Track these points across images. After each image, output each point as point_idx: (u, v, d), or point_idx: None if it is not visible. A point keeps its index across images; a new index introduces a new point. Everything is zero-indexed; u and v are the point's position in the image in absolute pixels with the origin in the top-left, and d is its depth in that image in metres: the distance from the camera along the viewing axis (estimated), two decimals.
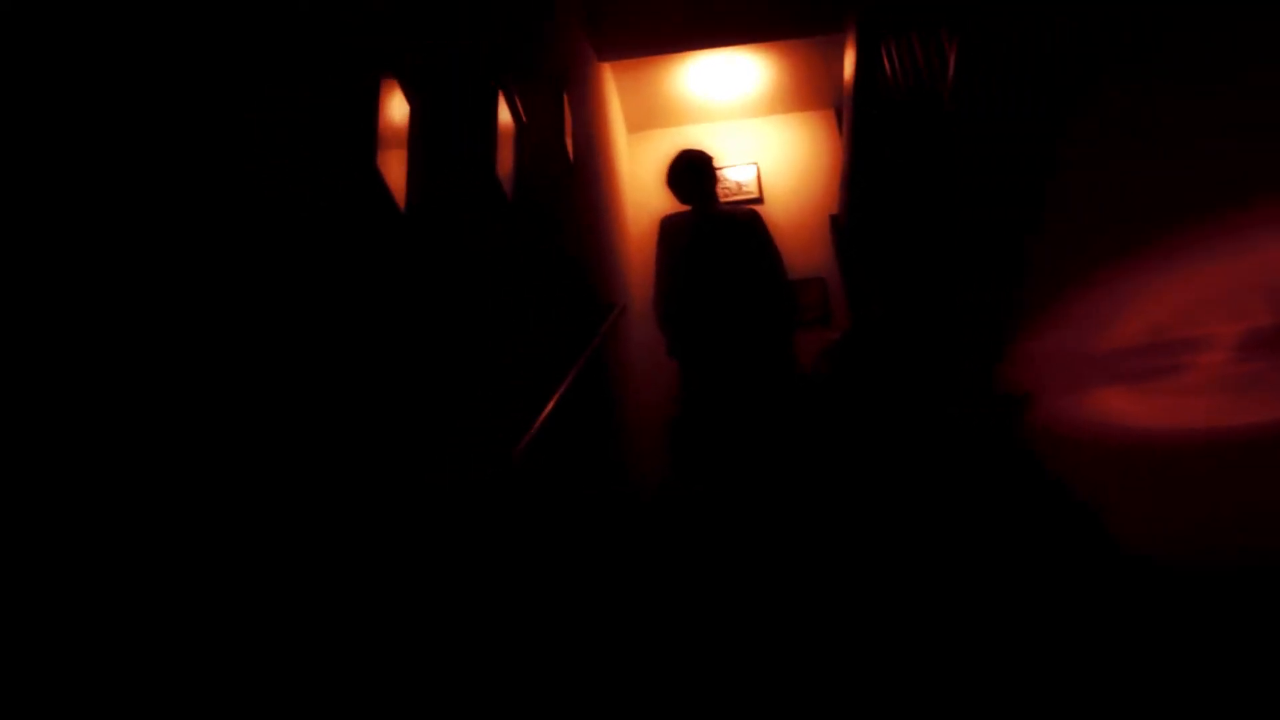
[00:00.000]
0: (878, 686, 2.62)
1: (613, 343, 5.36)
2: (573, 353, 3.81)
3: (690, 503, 4.43)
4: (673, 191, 5.55)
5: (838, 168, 7.81)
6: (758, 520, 3.81)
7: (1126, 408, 2.62)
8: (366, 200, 1.98)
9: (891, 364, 4.38)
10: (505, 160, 3.22)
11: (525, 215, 3.44)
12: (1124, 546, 2.63)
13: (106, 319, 1.11)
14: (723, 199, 7.61)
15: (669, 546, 3.81)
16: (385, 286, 1.99)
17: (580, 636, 2.93)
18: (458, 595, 2.10)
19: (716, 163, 5.68)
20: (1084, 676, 2.44)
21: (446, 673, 1.96)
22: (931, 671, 2.59)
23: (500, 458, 2.48)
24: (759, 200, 7.83)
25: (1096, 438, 2.72)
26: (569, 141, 4.81)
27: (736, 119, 8.25)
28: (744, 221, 5.35)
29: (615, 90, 7.60)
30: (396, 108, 2.24)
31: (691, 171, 5.45)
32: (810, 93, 7.99)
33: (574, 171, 4.91)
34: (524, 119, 3.61)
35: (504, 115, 3.30)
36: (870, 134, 4.52)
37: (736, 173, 7.96)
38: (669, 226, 5.42)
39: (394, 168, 2.16)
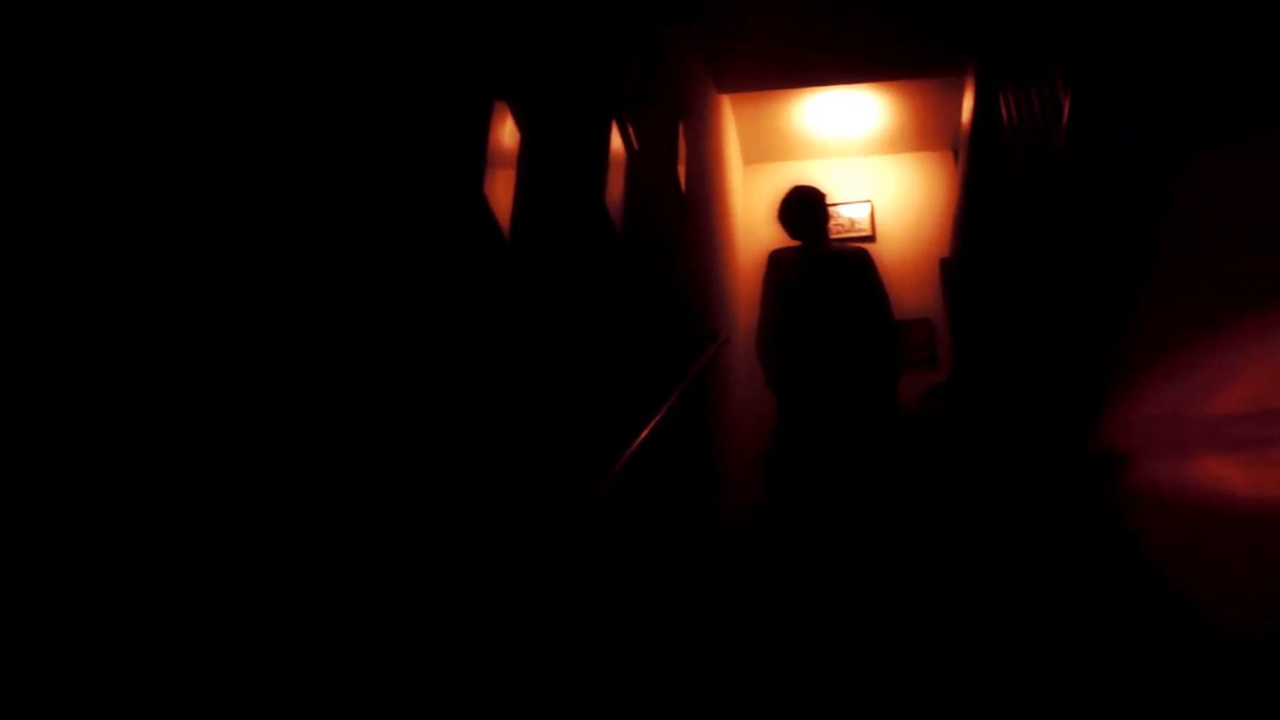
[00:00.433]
0: None
1: (714, 373, 5.36)
2: (673, 380, 3.83)
3: (781, 537, 4.41)
4: (784, 227, 5.53)
5: (951, 210, 7.73)
6: (846, 560, 3.77)
7: (1230, 475, 2.56)
8: (471, 227, 2.01)
9: (992, 412, 4.32)
10: (615, 188, 3.25)
11: (633, 244, 3.47)
12: (1210, 623, 2.57)
13: (217, 330, 1.16)
14: (835, 235, 7.57)
15: (757, 581, 3.79)
16: (486, 316, 2.02)
17: (660, 670, 2.93)
18: (547, 616, 2.12)
19: (829, 199, 5.66)
20: None
21: (537, 701, 1.98)
22: None
23: (592, 485, 2.50)
24: (871, 238, 7.78)
25: (1194, 503, 2.66)
26: (682, 171, 4.83)
27: (852, 156, 8.21)
28: (853, 259, 5.32)
29: (733, 121, 7.62)
30: (507, 133, 2.27)
31: (804, 208, 5.43)
32: (927, 133, 7.93)
33: (685, 201, 4.93)
34: (636, 147, 3.64)
35: (616, 143, 3.34)
36: (984, 179, 4.47)
37: (850, 210, 7.92)
38: (778, 261, 5.41)
39: (501, 193, 2.19)
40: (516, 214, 2.27)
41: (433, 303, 1.79)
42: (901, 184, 8.06)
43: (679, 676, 2.95)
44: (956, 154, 7.84)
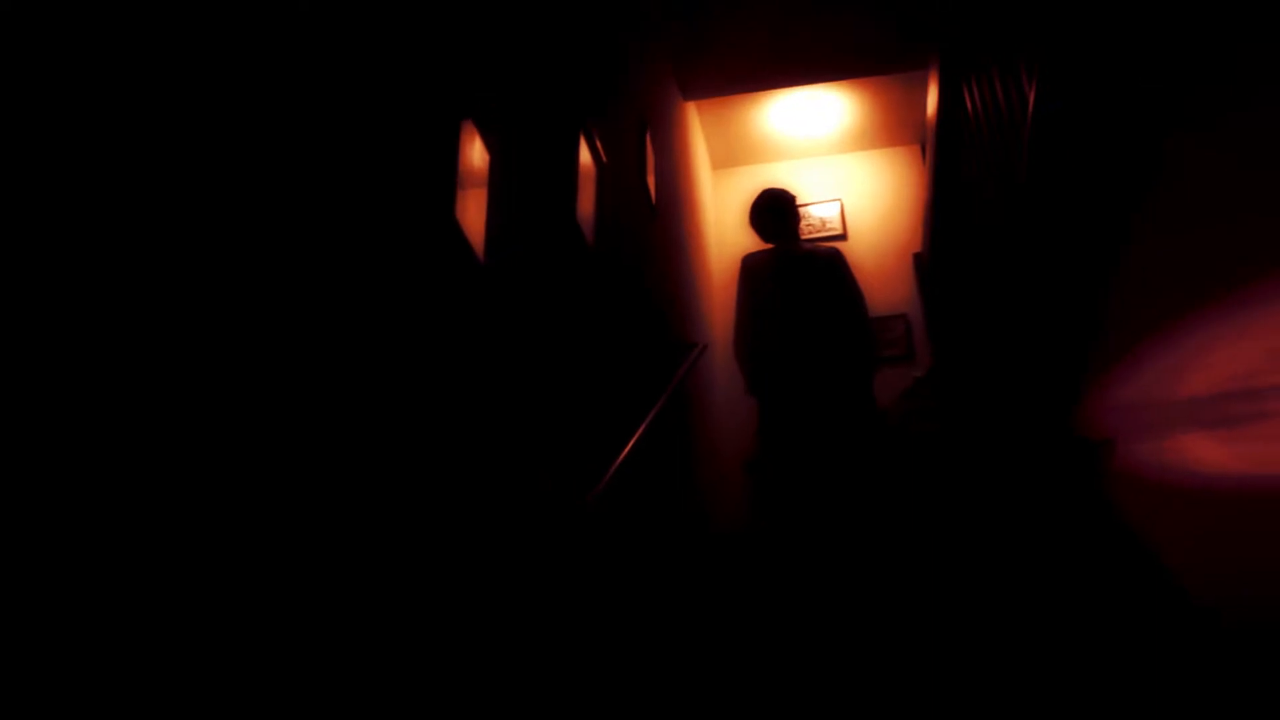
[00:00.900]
0: None
1: (693, 381, 5.37)
2: (654, 391, 3.83)
3: (766, 542, 4.41)
4: (755, 230, 5.54)
5: (921, 204, 7.76)
6: (832, 561, 3.78)
7: (1207, 454, 2.57)
8: (444, 252, 2.01)
9: (972, 404, 4.33)
10: (586, 203, 3.25)
11: (606, 258, 3.47)
12: (1195, 597, 2.58)
13: (195, 345, 1.15)
14: (806, 236, 7.59)
15: (744, 586, 3.79)
16: (463, 338, 2.02)
17: (648, 675, 2.93)
18: (534, 628, 2.11)
19: (800, 200, 5.67)
20: None
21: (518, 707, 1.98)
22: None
23: (577, 498, 2.50)
24: (843, 237, 7.80)
25: (1176, 484, 2.67)
26: (651, 181, 4.84)
27: (820, 155, 8.23)
28: (825, 260, 5.32)
29: (700, 128, 7.64)
30: (476, 153, 2.27)
31: (774, 210, 5.44)
32: (894, 129, 7.96)
33: (656, 211, 4.94)
34: (605, 160, 3.64)
35: (585, 157, 3.34)
36: (952, 171, 4.49)
37: (820, 210, 7.94)
38: (750, 265, 5.41)
39: (473, 215, 2.19)
40: (490, 235, 2.27)
41: (411, 329, 1.79)
42: (870, 181, 8.09)
43: (666, 681, 2.95)
44: (924, 148, 7.88)
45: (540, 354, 2.50)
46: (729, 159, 8.24)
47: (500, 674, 1.93)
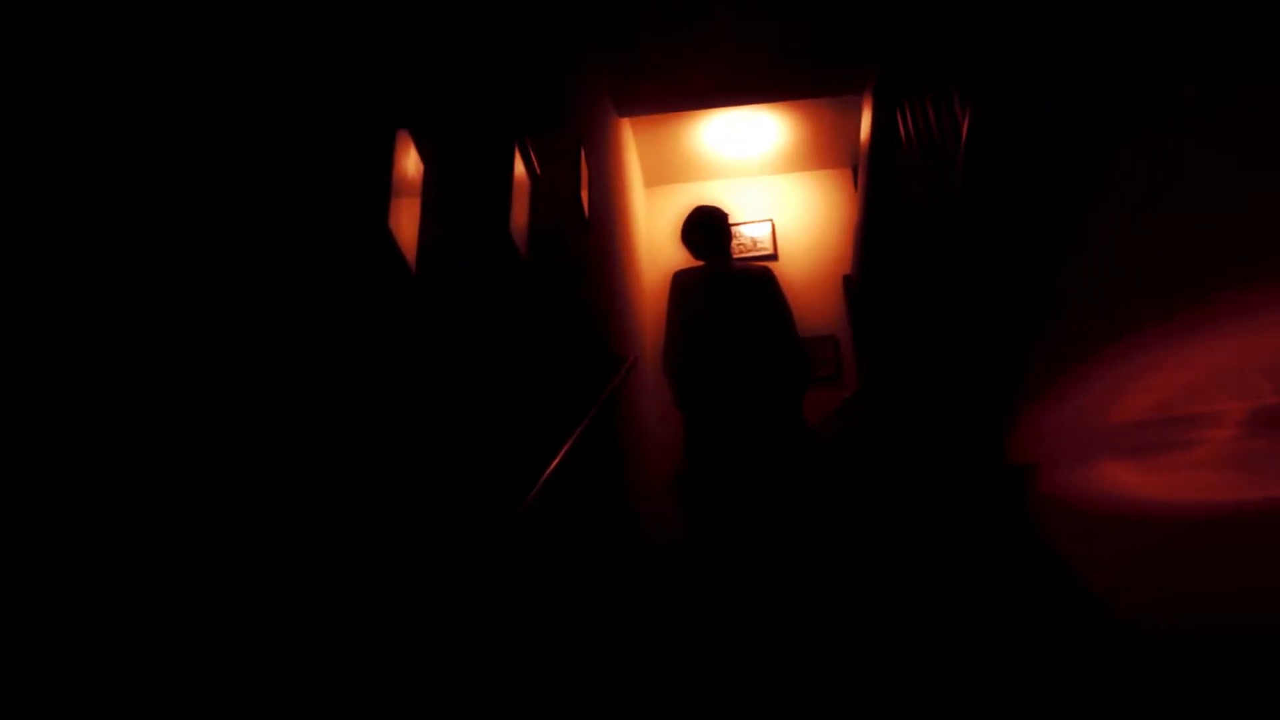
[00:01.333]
0: None
1: (624, 395, 5.36)
2: (584, 405, 3.81)
3: (692, 555, 4.41)
4: (687, 247, 5.55)
5: (852, 226, 7.83)
6: (756, 577, 3.78)
7: (1132, 480, 2.61)
8: (377, 262, 1.98)
9: (901, 425, 4.37)
10: (520, 215, 3.23)
11: (539, 270, 3.45)
12: (1120, 618, 2.61)
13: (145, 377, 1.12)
14: (737, 255, 7.63)
15: (671, 597, 3.79)
16: (394, 347, 2.00)
17: (576, 685, 2.91)
18: (462, 638, 2.09)
19: (732, 219, 5.69)
20: None
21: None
22: None
23: (507, 510, 2.47)
24: (773, 257, 7.85)
25: (1101, 510, 2.71)
26: (585, 196, 4.83)
27: (753, 175, 8.28)
28: (757, 278, 5.35)
29: (634, 145, 7.65)
30: (410, 163, 2.24)
31: (706, 227, 5.46)
32: (827, 151, 8.03)
33: (589, 226, 4.93)
34: (539, 173, 3.63)
35: (519, 170, 3.32)
36: (884, 195, 4.54)
37: (751, 229, 7.99)
38: (681, 281, 5.42)
39: (406, 225, 2.16)
40: (423, 245, 2.24)
41: (341, 338, 1.76)
42: (802, 202, 8.15)
43: (596, 688, 2.93)
44: (856, 171, 7.97)
45: (472, 365, 2.48)
46: (662, 176, 8.26)
47: (431, 683, 1.90)
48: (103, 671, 1.02)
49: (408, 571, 1.92)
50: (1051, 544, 2.83)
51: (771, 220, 8.05)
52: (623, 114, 6.83)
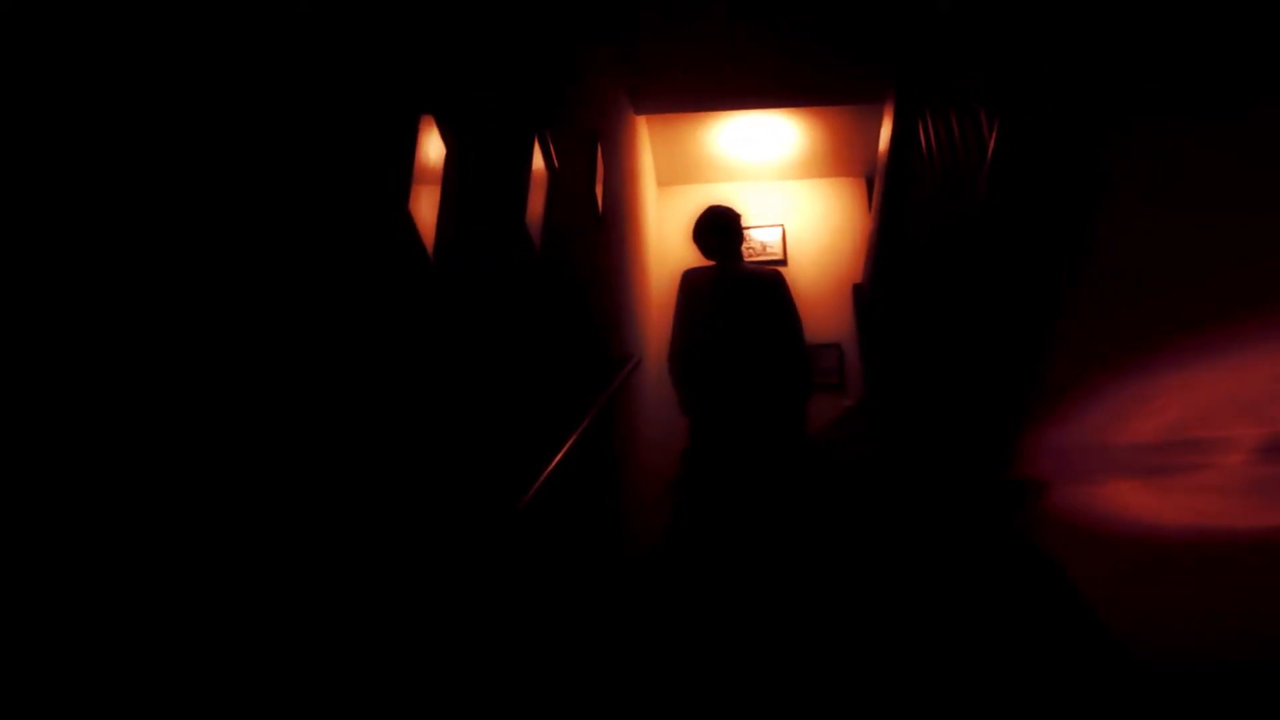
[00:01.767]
0: None
1: (625, 395, 5.35)
2: (587, 401, 3.80)
3: (688, 561, 4.40)
4: (698, 246, 5.51)
5: (863, 236, 7.82)
6: (752, 585, 3.77)
7: (1139, 502, 2.60)
8: (396, 245, 1.97)
9: (903, 436, 4.36)
10: (535, 208, 3.21)
11: (551, 265, 3.44)
12: (1119, 640, 2.60)
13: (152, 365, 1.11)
14: (747, 258, 7.60)
15: (662, 605, 3.78)
16: (407, 332, 1.98)
17: (570, 686, 2.91)
18: (460, 635, 2.08)
19: (744, 221, 5.66)
20: None
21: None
22: None
23: (506, 507, 2.46)
24: (783, 262, 7.84)
25: (1106, 530, 2.70)
26: (599, 191, 4.81)
27: (765, 180, 8.27)
28: (767, 282, 5.31)
29: (648, 143, 7.64)
30: (433, 148, 2.23)
31: (718, 228, 5.42)
32: (841, 160, 8.02)
33: (602, 222, 4.91)
34: (557, 166, 3.62)
35: (538, 162, 3.31)
36: (901, 204, 4.53)
37: (762, 234, 7.97)
38: (691, 280, 5.38)
39: (425, 211, 2.14)
40: (441, 232, 2.22)
41: (355, 321, 1.75)
42: (813, 209, 8.14)
43: (588, 689, 2.92)
44: (869, 181, 7.95)
45: (482, 356, 2.47)
46: (674, 176, 8.24)
47: (430, 680, 1.89)
48: (102, 671, 1.01)
49: (410, 563, 1.91)
50: (1050, 556, 2.81)
51: (782, 226, 8.03)
52: (639, 112, 6.81)
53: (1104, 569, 2.70)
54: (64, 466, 0.99)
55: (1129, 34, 2.14)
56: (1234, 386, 2.27)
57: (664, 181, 8.31)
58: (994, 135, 2.57)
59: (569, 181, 3.97)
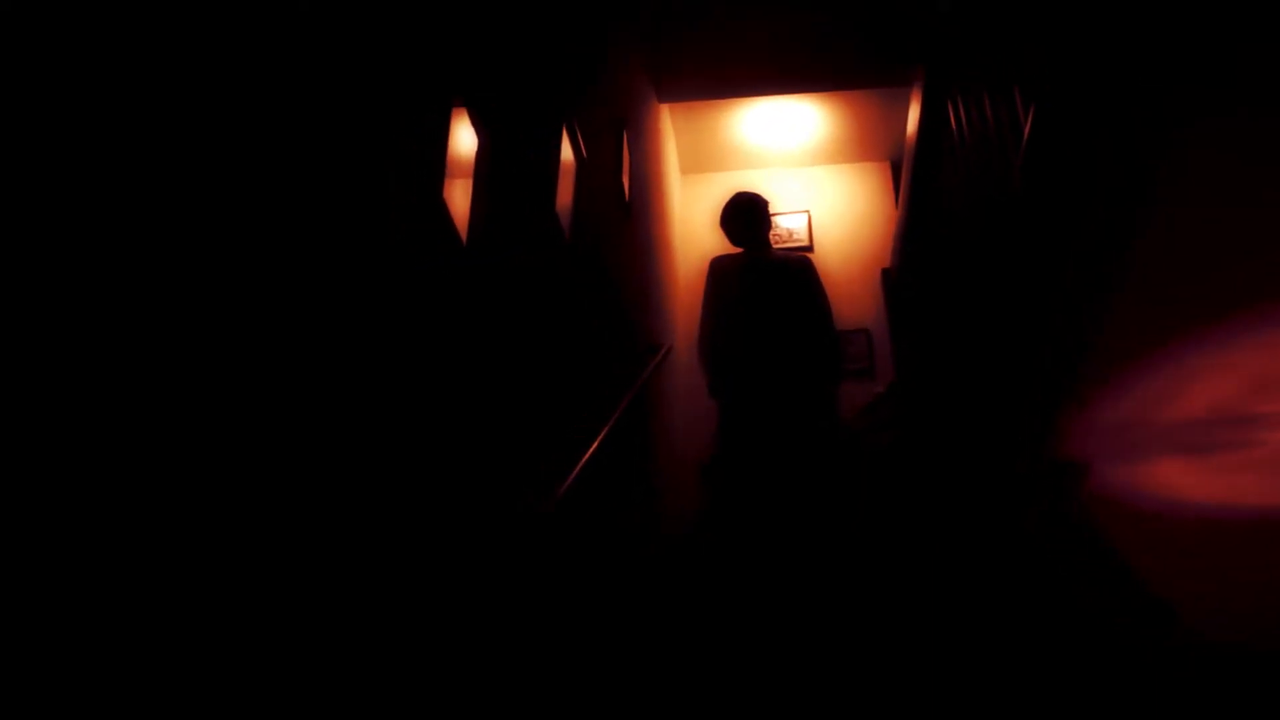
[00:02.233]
0: None
1: (656, 383, 5.33)
2: (616, 392, 3.78)
3: (720, 548, 4.37)
4: (725, 232, 5.49)
5: (889, 220, 7.77)
6: (786, 572, 3.75)
7: (1187, 481, 2.56)
8: (429, 230, 1.96)
9: (941, 420, 4.32)
10: (565, 196, 3.20)
11: (580, 252, 3.43)
12: (1179, 619, 2.56)
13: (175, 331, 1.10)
14: (774, 245, 7.56)
15: (695, 591, 3.76)
16: (442, 315, 1.97)
17: (604, 677, 2.89)
18: (495, 627, 2.07)
19: (771, 208, 5.63)
20: None
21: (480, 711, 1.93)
22: None
23: (542, 498, 2.44)
24: (809, 248, 7.79)
25: (1154, 511, 2.66)
26: (625, 180, 4.79)
27: (790, 166, 8.22)
28: (796, 268, 5.29)
29: (672, 131, 7.60)
30: (465, 137, 2.22)
31: (746, 213, 5.39)
32: (866, 144, 7.96)
33: (629, 210, 4.90)
34: (584, 155, 3.60)
35: (566, 151, 3.29)
36: (930, 189, 4.48)
37: (787, 220, 7.93)
38: (719, 267, 5.36)
39: (458, 198, 2.14)
40: (474, 219, 2.22)
41: (391, 307, 1.74)
42: (839, 195, 8.08)
43: (625, 683, 2.91)
44: (895, 165, 7.90)
45: (515, 345, 2.46)
46: (698, 164, 8.20)
47: (466, 678, 1.88)
48: (112, 670, 1.00)
49: (439, 555, 1.90)
50: (1103, 538, 2.77)
51: (808, 212, 7.98)
52: (663, 99, 6.78)
53: (1153, 548, 2.66)
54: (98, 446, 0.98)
55: None
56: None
57: (687, 169, 8.27)
58: (1030, 114, 2.53)
59: (596, 170, 3.96)
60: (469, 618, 1.93)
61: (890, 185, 8.04)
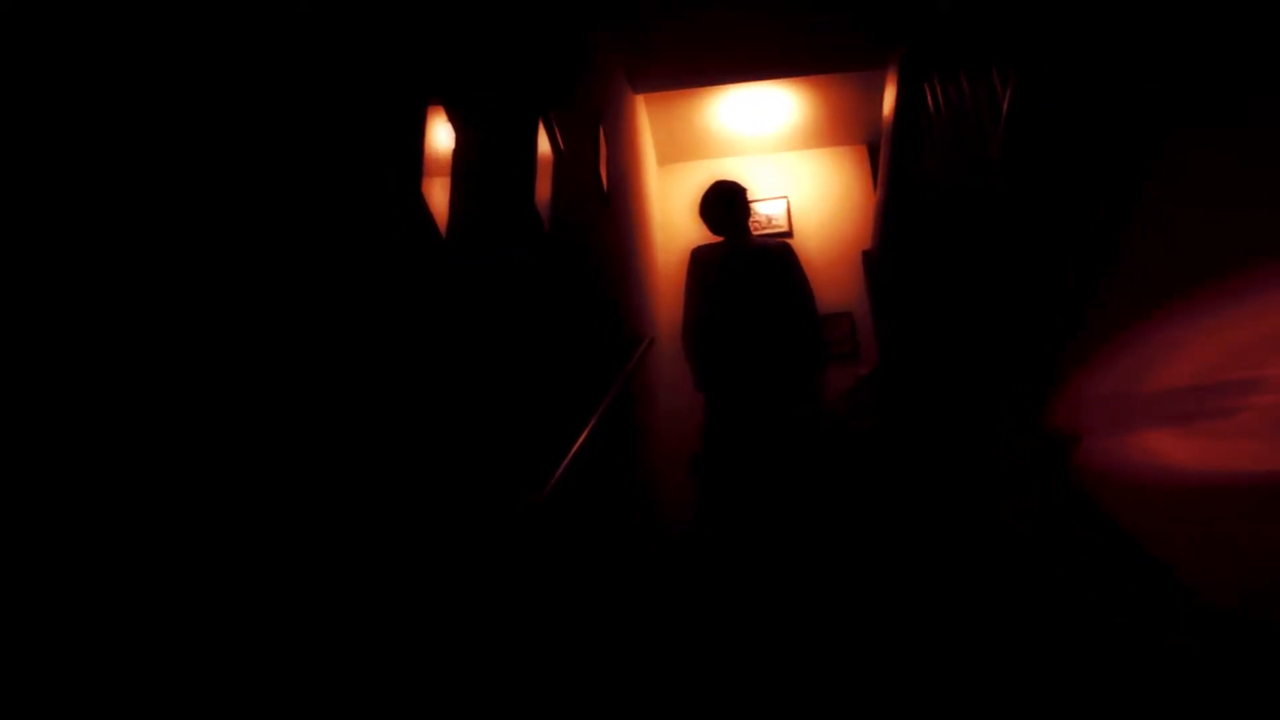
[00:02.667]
0: None
1: (640, 375, 5.32)
2: (602, 385, 3.78)
3: (710, 538, 4.37)
4: (705, 221, 5.49)
5: (868, 203, 7.78)
6: (778, 561, 3.75)
7: (1175, 449, 2.57)
8: (408, 225, 1.95)
9: (927, 399, 4.32)
10: (543, 190, 3.19)
11: (560, 245, 3.42)
12: (1183, 586, 2.57)
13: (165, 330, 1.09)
14: (753, 232, 7.57)
15: (687, 584, 3.76)
16: (422, 310, 1.97)
17: (596, 676, 2.89)
18: (483, 625, 2.06)
19: (749, 195, 5.63)
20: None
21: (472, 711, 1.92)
22: None
23: (528, 493, 2.44)
24: (789, 234, 7.80)
25: (1144, 479, 2.66)
26: (603, 172, 4.79)
27: (767, 153, 8.22)
28: (776, 254, 5.29)
29: (648, 122, 7.59)
30: (441, 133, 2.21)
31: (725, 202, 5.39)
32: (842, 128, 7.96)
33: (608, 202, 4.89)
34: (562, 148, 3.59)
35: (543, 145, 3.28)
36: (909, 168, 4.48)
37: (766, 207, 7.93)
38: (700, 257, 5.36)
39: (437, 193, 2.13)
40: (452, 213, 2.21)
41: (372, 302, 1.73)
42: (817, 179, 8.09)
43: (616, 681, 2.90)
44: (872, 148, 7.90)
45: (497, 339, 2.45)
46: (676, 153, 8.20)
47: (455, 675, 1.88)
48: (112, 669, 0.99)
49: (432, 551, 1.89)
50: (1101, 509, 2.77)
51: (786, 197, 7.98)
52: (637, 90, 6.76)
53: (1142, 517, 2.66)
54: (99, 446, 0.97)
55: None
56: (1266, 325, 2.24)
57: (665, 159, 8.26)
58: (1009, 92, 2.53)
59: (574, 163, 3.95)
60: (462, 607, 1.92)
61: (868, 168, 8.05)
